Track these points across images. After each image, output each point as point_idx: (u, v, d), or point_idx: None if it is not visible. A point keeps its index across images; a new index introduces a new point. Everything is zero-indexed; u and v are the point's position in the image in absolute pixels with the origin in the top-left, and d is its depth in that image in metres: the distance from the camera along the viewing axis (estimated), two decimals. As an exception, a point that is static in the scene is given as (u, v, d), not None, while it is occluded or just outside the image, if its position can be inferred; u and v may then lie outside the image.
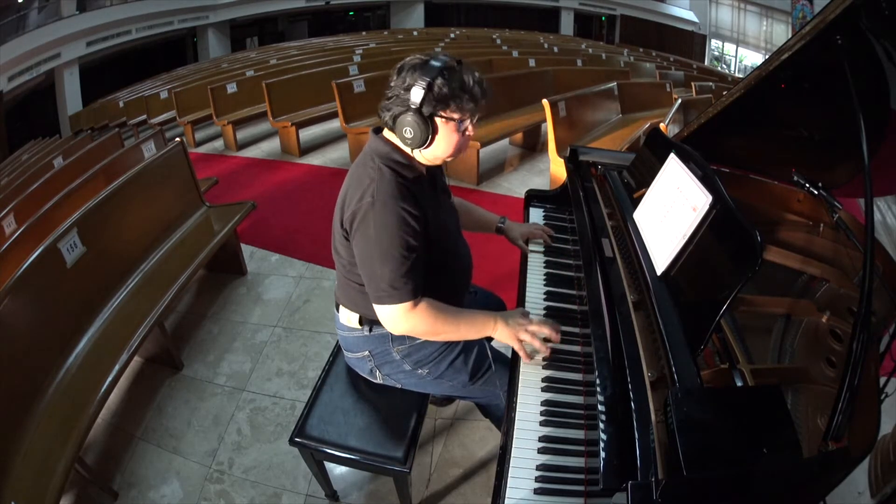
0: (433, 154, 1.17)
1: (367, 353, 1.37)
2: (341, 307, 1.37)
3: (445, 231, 1.26)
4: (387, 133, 1.20)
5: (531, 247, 1.56)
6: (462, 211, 1.52)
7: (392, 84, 1.13)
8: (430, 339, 1.30)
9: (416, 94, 1.09)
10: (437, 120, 1.12)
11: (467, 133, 1.17)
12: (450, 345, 1.34)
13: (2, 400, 1.53)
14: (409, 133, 1.12)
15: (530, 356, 1.18)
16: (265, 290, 2.76)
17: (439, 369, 1.35)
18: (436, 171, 1.30)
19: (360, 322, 1.33)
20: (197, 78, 8.13)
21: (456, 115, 1.13)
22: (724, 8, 16.40)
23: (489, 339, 1.57)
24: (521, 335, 1.18)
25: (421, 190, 1.18)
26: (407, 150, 1.17)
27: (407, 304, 1.15)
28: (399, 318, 1.17)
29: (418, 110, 1.09)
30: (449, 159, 1.21)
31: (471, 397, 1.46)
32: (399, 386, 1.41)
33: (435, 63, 1.11)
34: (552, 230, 1.59)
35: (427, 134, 1.12)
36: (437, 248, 1.21)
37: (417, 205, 1.14)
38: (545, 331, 1.18)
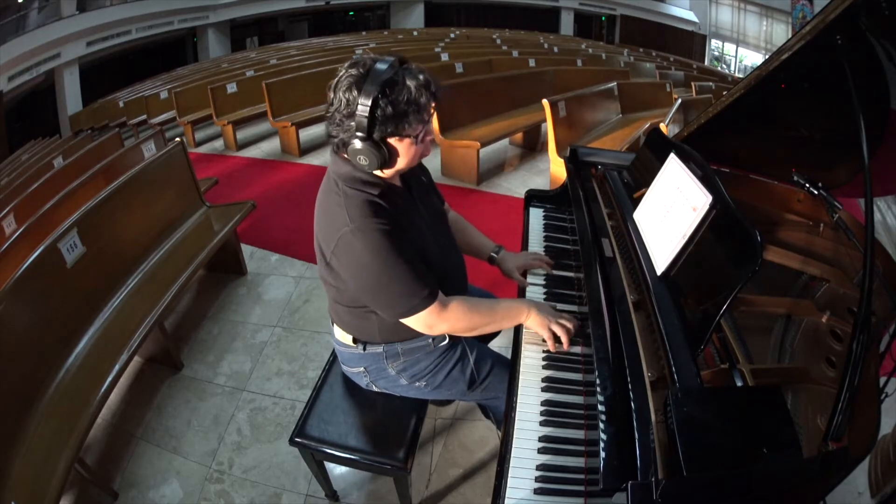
0: (394, 169, 1.11)
1: (362, 368, 1.36)
2: (335, 324, 1.35)
3: (424, 240, 1.19)
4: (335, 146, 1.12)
5: (530, 279, 1.44)
6: (456, 229, 1.46)
7: (331, 105, 1.04)
8: (468, 335, 1.28)
9: (360, 122, 0.99)
10: (391, 141, 1.04)
11: (427, 139, 1.10)
12: (446, 356, 1.32)
13: (2, 400, 1.53)
14: (363, 161, 1.04)
15: (556, 346, 1.20)
16: (265, 290, 2.76)
17: (436, 381, 1.33)
18: (411, 178, 1.25)
19: (354, 341, 1.32)
20: (197, 78, 8.13)
21: (409, 132, 1.04)
22: (724, 8, 16.39)
23: (487, 340, 1.58)
24: (552, 326, 1.20)
25: (392, 202, 1.13)
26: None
27: (434, 308, 1.13)
28: (433, 321, 1.15)
29: (367, 138, 1.01)
30: (411, 167, 1.15)
31: (472, 400, 1.45)
32: (398, 395, 1.40)
33: (374, 76, 0.98)
34: (551, 259, 1.46)
35: (383, 158, 1.04)
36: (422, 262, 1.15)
37: (390, 218, 1.09)
38: (571, 327, 1.20)
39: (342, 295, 1.22)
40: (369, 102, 0.98)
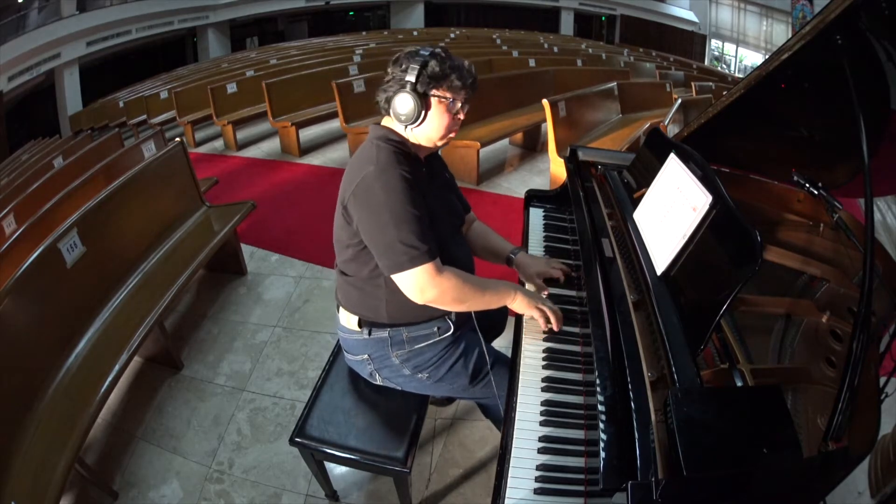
0: (425, 135, 1.20)
1: (366, 356, 1.37)
2: (341, 308, 1.36)
3: (436, 216, 1.22)
4: (384, 121, 1.24)
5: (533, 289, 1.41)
6: (476, 235, 1.50)
7: (390, 72, 1.20)
8: (455, 309, 1.27)
9: (412, 73, 1.14)
10: (431, 98, 1.17)
11: (458, 116, 1.21)
12: (449, 349, 1.33)
13: (2, 400, 1.53)
14: (402, 108, 1.16)
15: (547, 325, 1.24)
16: (265, 290, 2.76)
17: (439, 373, 1.34)
18: (435, 165, 1.33)
19: (360, 324, 1.32)
20: (197, 78, 8.13)
21: (448, 95, 1.17)
22: (724, 8, 16.40)
23: (489, 339, 1.58)
24: (539, 306, 1.24)
25: (417, 170, 1.20)
26: (403, 133, 1.21)
27: (430, 266, 1.13)
28: (426, 282, 1.14)
29: (413, 88, 1.14)
30: (440, 143, 1.23)
31: (471, 398, 1.45)
32: (399, 388, 1.41)
33: (429, 48, 1.18)
34: (568, 268, 1.43)
35: (420, 109, 1.15)
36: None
37: (414, 177, 1.16)
38: (557, 311, 1.25)
39: (351, 263, 1.25)
40: (422, 60, 1.16)
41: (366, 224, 1.16)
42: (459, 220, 1.41)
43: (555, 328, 1.24)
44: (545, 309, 1.24)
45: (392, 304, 1.24)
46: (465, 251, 1.39)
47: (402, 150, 1.20)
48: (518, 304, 1.25)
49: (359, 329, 1.33)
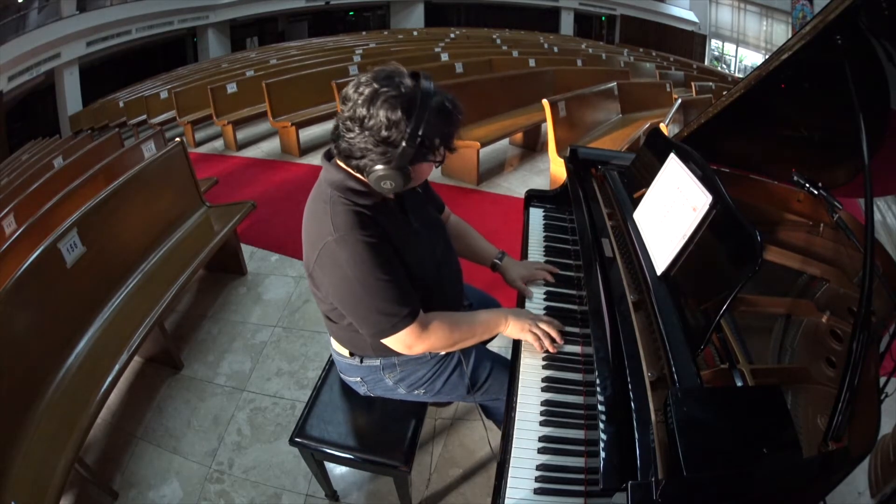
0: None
1: (359, 378, 1.36)
2: (331, 336, 1.34)
3: (416, 255, 1.15)
4: (340, 160, 1.07)
5: (534, 289, 1.39)
6: (457, 234, 1.44)
7: (359, 113, 0.96)
8: (448, 351, 1.27)
9: (405, 155, 0.97)
10: (421, 164, 1.04)
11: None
12: (443, 363, 1.31)
13: (2, 400, 1.53)
14: (388, 185, 1.01)
15: (542, 347, 1.19)
16: (265, 290, 2.76)
17: (435, 388, 1.33)
18: (405, 190, 1.14)
19: (350, 354, 1.31)
20: (197, 78, 8.14)
21: (438, 158, 1.05)
22: (724, 8, 16.39)
23: (486, 341, 1.57)
24: (533, 330, 1.19)
25: (383, 215, 1.09)
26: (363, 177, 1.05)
27: (413, 328, 1.10)
28: (412, 341, 1.13)
29: (401, 164, 0.98)
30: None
31: (472, 401, 1.45)
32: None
33: (423, 102, 0.95)
34: (552, 259, 1.42)
35: (408, 183, 1.02)
36: (413, 279, 1.12)
37: (379, 231, 1.06)
38: (553, 332, 1.20)
39: (331, 310, 1.20)
40: (420, 131, 0.95)
41: (338, 297, 1.10)
42: (440, 231, 1.31)
43: (550, 349, 1.19)
44: (538, 333, 1.19)
45: (378, 344, 1.19)
46: (452, 263, 1.32)
47: (360, 202, 1.06)
48: (511, 329, 1.21)
49: (350, 356, 1.32)
